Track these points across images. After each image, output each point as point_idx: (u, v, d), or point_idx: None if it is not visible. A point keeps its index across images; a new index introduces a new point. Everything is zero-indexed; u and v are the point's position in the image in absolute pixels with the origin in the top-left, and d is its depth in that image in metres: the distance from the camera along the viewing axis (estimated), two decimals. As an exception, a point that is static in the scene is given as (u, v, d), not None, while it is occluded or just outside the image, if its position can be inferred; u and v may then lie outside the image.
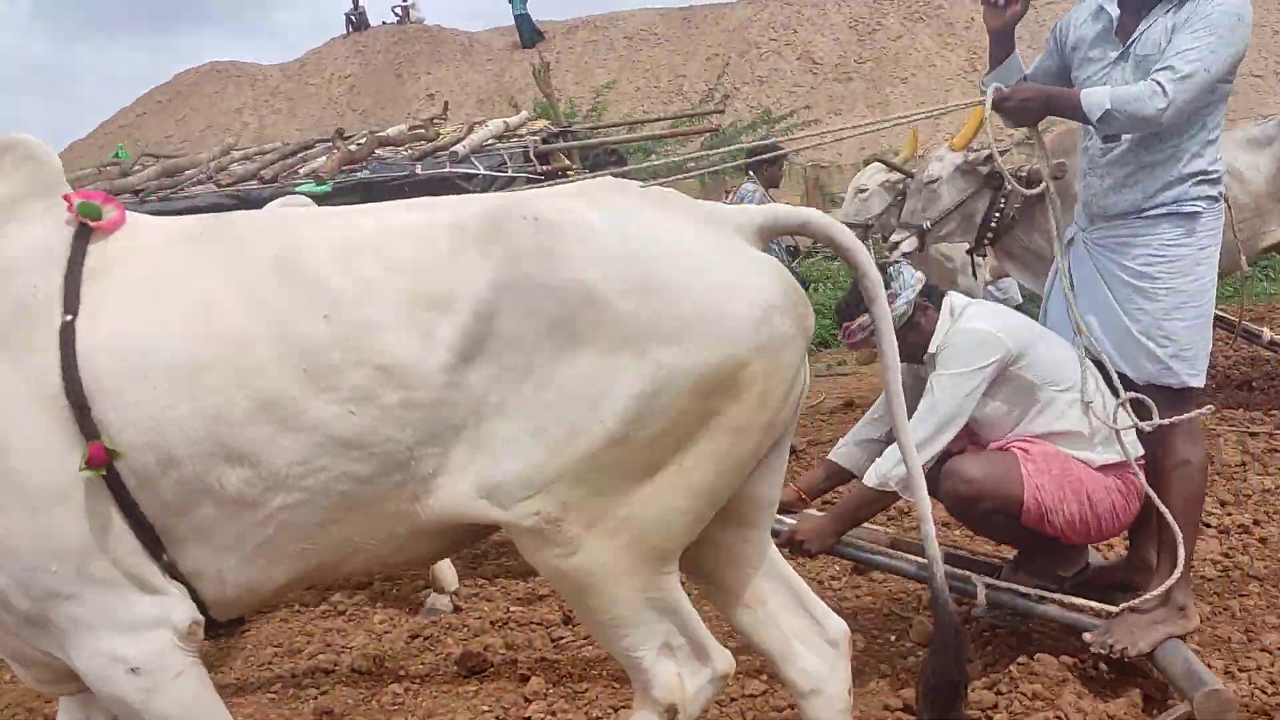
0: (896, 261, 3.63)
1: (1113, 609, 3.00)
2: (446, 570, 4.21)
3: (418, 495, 2.04)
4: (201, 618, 2.09)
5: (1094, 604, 3.06)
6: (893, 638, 3.62)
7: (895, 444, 2.92)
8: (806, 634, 2.30)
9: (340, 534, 2.08)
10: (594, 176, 5.55)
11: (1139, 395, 3.01)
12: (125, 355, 1.98)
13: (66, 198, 2.16)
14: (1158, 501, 2.97)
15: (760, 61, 26.06)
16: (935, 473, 3.13)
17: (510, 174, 5.66)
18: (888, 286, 3.06)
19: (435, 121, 8.05)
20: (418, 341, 1.98)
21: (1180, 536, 2.91)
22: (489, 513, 2.01)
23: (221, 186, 7.01)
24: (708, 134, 11.73)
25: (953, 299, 3.36)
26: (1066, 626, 3.18)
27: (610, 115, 19.33)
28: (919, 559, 3.29)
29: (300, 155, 7.18)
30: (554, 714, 3.24)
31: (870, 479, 3.14)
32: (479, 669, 3.61)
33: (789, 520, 3.28)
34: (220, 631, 2.62)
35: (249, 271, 2.07)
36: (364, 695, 3.56)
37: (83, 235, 2.12)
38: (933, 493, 2.92)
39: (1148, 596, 2.95)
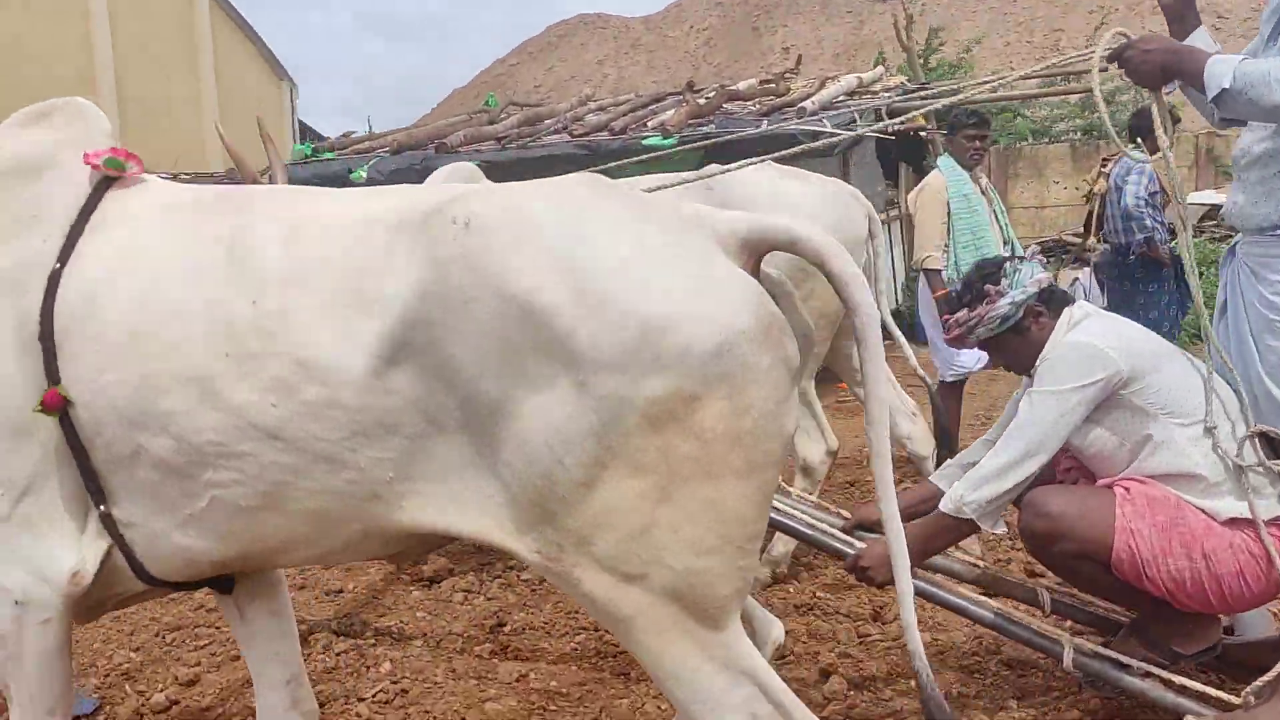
0: (1019, 257, 3.10)
1: (1232, 699, 2.47)
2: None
3: (380, 498, 1.93)
4: (89, 566, 2.11)
5: (1209, 689, 2.53)
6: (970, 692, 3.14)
7: (978, 467, 2.67)
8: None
9: (277, 523, 2.01)
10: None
11: (1272, 430, 2.51)
12: (86, 310, 2.03)
13: (88, 155, 2.21)
14: None
15: (1152, 15, 23.74)
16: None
17: (857, 132, 5.37)
18: (996, 283, 2.83)
19: (786, 76, 7.85)
20: (339, 340, 1.87)
21: None
22: (494, 537, 1.88)
23: (575, 136, 7.25)
24: (1082, 94, 10.75)
25: (1074, 308, 2.85)
26: (1172, 711, 2.61)
27: (977, 74, 18.31)
28: (1003, 607, 2.92)
29: (650, 108, 7.22)
30: (851, 720, 3.01)
31: (945, 504, 2.72)
32: (779, 655, 3.44)
33: (859, 544, 2.93)
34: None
35: (205, 246, 2.04)
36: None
37: (100, 191, 2.19)
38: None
39: (1260, 684, 2.42)
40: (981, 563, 3.22)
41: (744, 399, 1.75)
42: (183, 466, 2.00)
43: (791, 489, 3.50)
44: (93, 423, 2.03)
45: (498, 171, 4.63)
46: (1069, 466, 2.90)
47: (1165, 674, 2.60)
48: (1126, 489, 2.63)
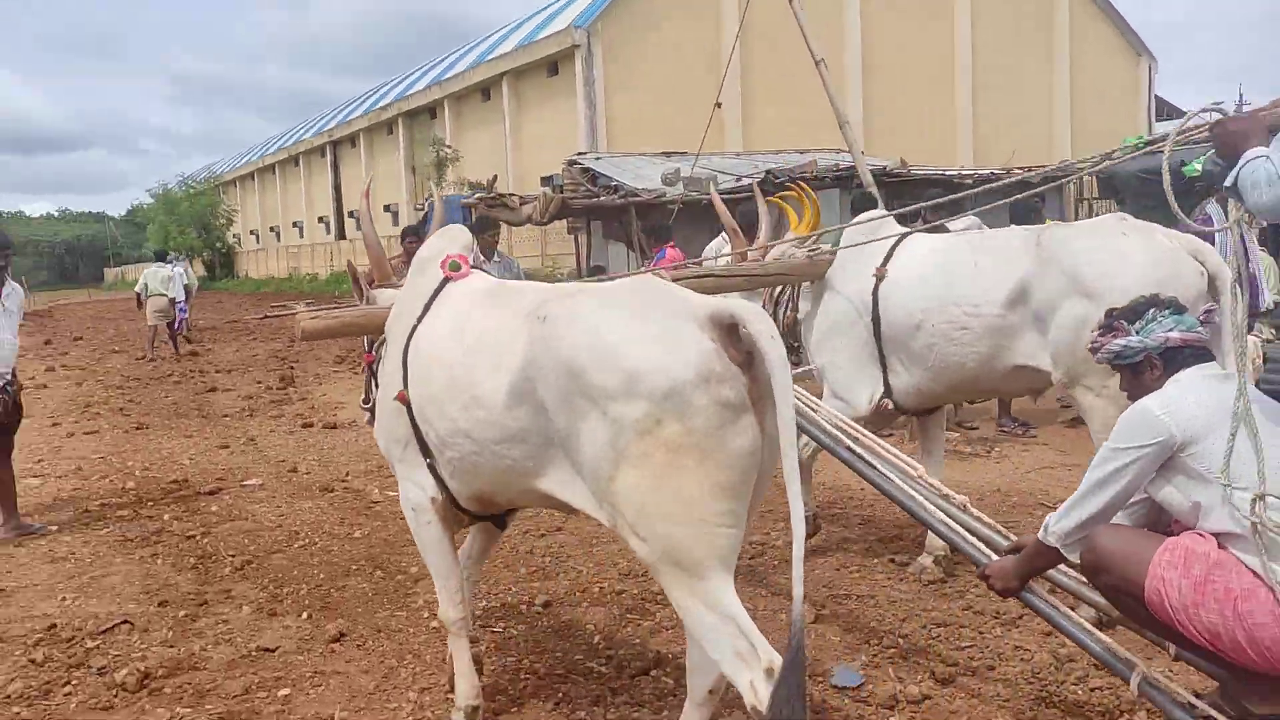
0: (1169, 308, 3.13)
1: None
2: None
3: (530, 474, 3.18)
4: (440, 495, 3.61)
5: None
6: None
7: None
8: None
9: (482, 481, 3.41)
10: None
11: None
12: (414, 353, 3.55)
13: (442, 261, 3.71)
14: None
15: None
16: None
17: None
18: (1131, 322, 3.11)
19: None
20: (491, 387, 3.17)
21: None
22: (589, 509, 3.02)
23: None
24: None
25: (1184, 374, 2.99)
26: None
27: None
28: (1092, 627, 3.26)
29: None
30: None
31: (1041, 531, 3.09)
32: None
33: (993, 556, 3.42)
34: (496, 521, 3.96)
35: (460, 320, 3.46)
36: None
37: (442, 285, 3.68)
38: None
39: None
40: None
41: (688, 422, 2.70)
42: (439, 446, 3.46)
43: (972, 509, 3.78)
44: (417, 413, 3.51)
45: None
46: (1176, 520, 3.01)
47: (1215, 715, 2.79)
48: (1174, 539, 2.87)
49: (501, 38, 37.78)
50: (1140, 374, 3.09)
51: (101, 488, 8.06)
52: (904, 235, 5.16)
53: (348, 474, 8.14)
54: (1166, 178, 3.00)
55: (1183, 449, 2.82)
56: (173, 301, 18.46)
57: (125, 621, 4.92)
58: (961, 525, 3.65)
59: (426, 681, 4.12)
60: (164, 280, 18.33)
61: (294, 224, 54.69)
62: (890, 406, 5.17)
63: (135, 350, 19.79)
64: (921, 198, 11.63)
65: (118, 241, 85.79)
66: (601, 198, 13.05)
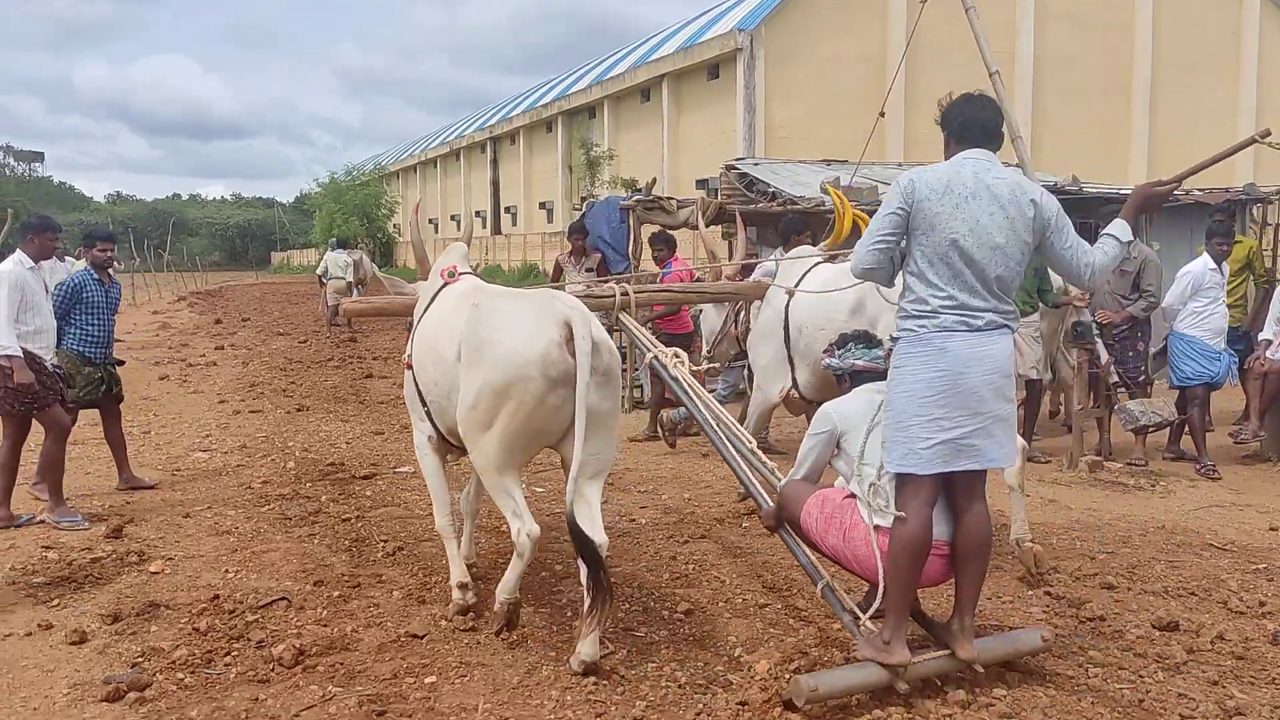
0: (877, 340, 4.61)
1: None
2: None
3: (449, 412, 4.75)
4: (434, 434, 5.08)
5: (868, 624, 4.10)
6: None
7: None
8: (591, 524, 4.27)
9: (450, 414, 4.71)
10: None
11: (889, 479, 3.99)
12: (423, 343, 5.01)
13: (442, 270, 5.26)
14: (879, 555, 3.95)
15: None
16: None
17: None
18: (840, 347, 4.59)
19: None
20: (448, 349, 4.65)
21: (882, 582, 3.89)
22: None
23: None
24: None
25: (860, 388, 4.43)
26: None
27: None
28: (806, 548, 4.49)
29: None
30: None
31: (779, 486, 4.84)
32: None
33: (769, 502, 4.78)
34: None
35: (446, 314, 4.88)
36: None
37: (442, 287, 5.19)
38: None
39: (864, 601, 4.27)
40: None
41: (526, 386, 4.25)
42: (426, 395, 4.95)
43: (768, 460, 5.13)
44: (417, 374, 5.00)
45: None
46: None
47: (860, 615, 4.16)
48: (828, 494, 4.28)
49: (664, 40, 37.99)
50: (841, 384, 4.59)
51: (264, 466, 8.42)
52: (817, 262, 6.78)
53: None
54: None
55: (842, 437, 4.25)
56: (350, 285, 19.46)
57: (283, 598, 5.11)
58: (755, 474, 5.00)
59: (569, 681, 4.12)
60: (344, 266, 19.73)
61: (452, 217, 56.25)
62: (798, 396, 6.81)
63: (299, 334, 20.68)
64: (1095, 216, 11.17)
65: (285, 226, 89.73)
66: (759, 204, 12.93)
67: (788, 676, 3.97)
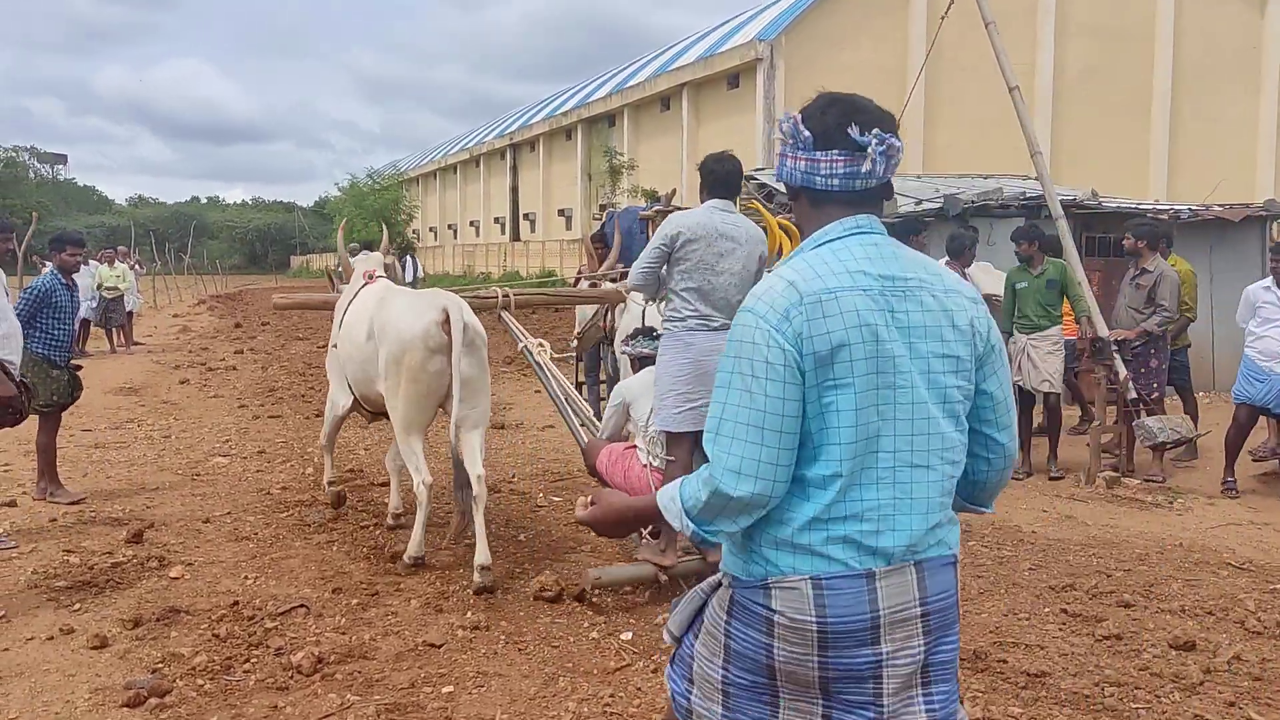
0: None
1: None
2: None
3: (374, 381, 6.08)
4: (349, 401, 6.61)
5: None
6: None
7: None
8: (470, 459, 5.71)
9: (363, 384, 6.27)
10: None
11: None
12: (344, 324, 6.46)
13: (364, 273, 6.79)
14: (653, 486, 5.22)
15: None
16: None
17: None
18: (631, 339, 6.19)
19: None
20: (361, 332, 6.14)
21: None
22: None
23: None
24: None
25: (645, 369, 5.86)
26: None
27: None
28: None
29: None
30: None
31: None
32: None
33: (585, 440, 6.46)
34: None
35: (363, 309, 6.28)
36: None
37: (362, 286, 6.62)
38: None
39: (645, 536, 5.62)
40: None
41: (412, 357, 5.69)
42: (346, 368, 6.42)
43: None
44: (341, 353, 6.46)
45: None
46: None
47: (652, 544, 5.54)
48: (614, 444, 5.81)
49: (684, 49, 38.07)
50: (633, 366, 6.18)
51: (284, 472, 8.47)
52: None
53: (514, 476, 8.31)
54: None
55: (630, 405, 5.75)
56: None
57: (302, 605, 5.14)
58: (580, 420, 6.60)
59: (585, 693, 4.14)
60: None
61: (471, 223, 56.43)
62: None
63: (319, 339, 20.75)
64: (1116, 231, 11.12)
65: (304, 231, 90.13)
66: (778, 215, 12.94)
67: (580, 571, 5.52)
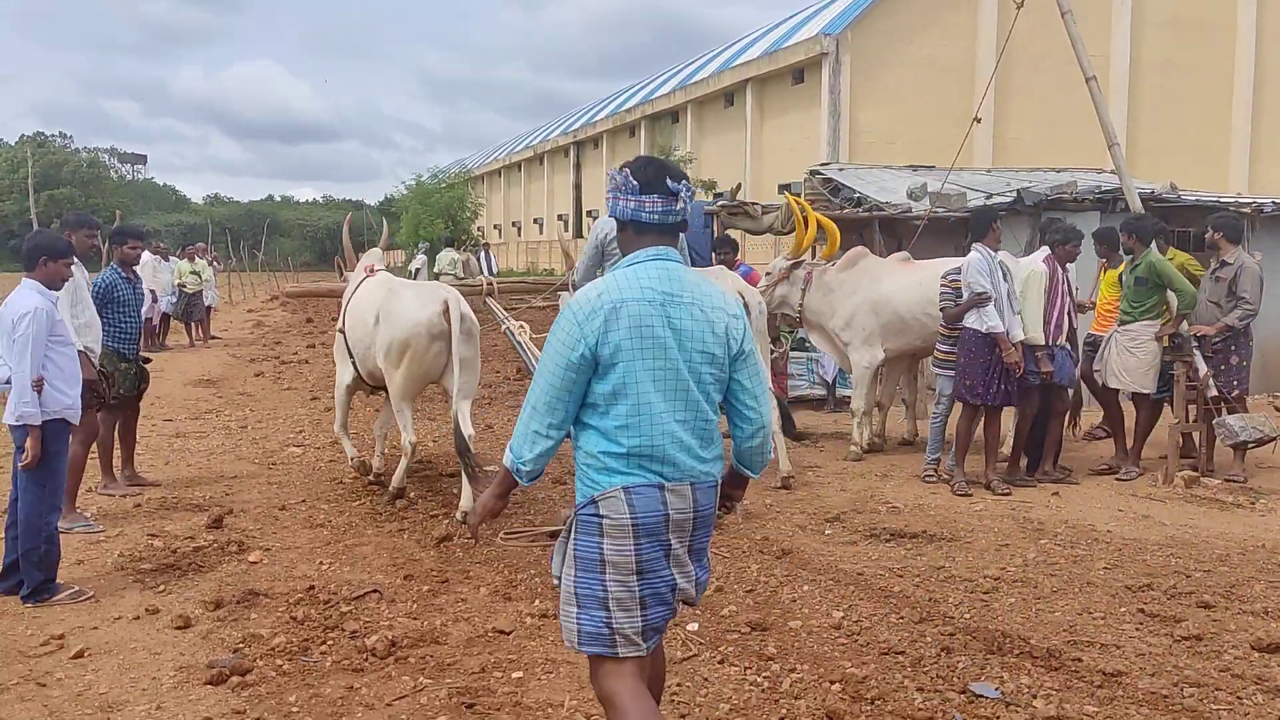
0: None
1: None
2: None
3: (376, 358, 7.20)
4: (353, 378, 7.63)
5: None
6: None
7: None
8: (464, 422, 6.71)
9: (370, 362, 7.26)
10: None
11: None
12: (349, 310, 7.57)
13: (365, 267, 7.85)
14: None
15: None
16: None
17: None
18: None
19: None
20: (370, 317, 7.11)
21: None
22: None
23: None
24: None
25: None
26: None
27: None
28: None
29: None
30: None
31: None
32: None
33: None
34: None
35: (368, 297, 7.31)
36: None
37: (365, 278, 7.66)
38: None
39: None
40: None
41: (416, 342, 6.80)
42: (354, 350, 7.39)
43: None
44: (348, 336, 7.48)
45: None
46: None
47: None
48: None
49: (748, 45, 37.90)
50: None
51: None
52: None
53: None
54: None
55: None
56: (458, 282, 20.29)
57: (375, 590, 5.24)
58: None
59: (653, 682, 4.16)
60: (451, 262, 20.41)
61: (534, 220, 56.78)
62: None
63: (386, 332, 21.08)
64: (1196, 226, 10.86)
65: (372, 228, 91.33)
66: (845, 210, 12.86)
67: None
